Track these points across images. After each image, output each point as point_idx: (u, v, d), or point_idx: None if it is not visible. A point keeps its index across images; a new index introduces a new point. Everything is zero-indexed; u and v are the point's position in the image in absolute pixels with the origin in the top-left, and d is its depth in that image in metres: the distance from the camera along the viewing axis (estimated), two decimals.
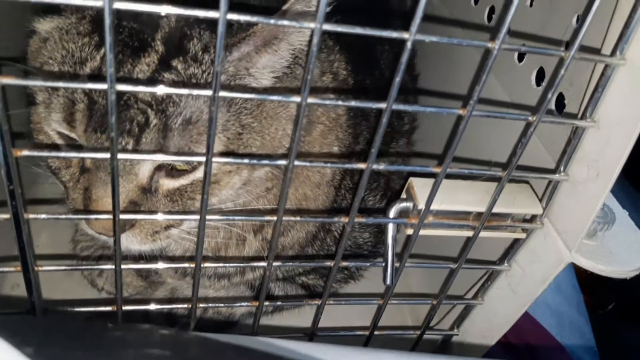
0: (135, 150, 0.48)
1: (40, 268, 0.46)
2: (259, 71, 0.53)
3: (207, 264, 0.53)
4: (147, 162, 0.50)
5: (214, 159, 0.41)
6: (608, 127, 0.47)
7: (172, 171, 0.52)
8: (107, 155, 0.39)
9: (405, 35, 0.37)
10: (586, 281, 0.93)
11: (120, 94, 0.46)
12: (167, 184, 0.52)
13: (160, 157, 0.46)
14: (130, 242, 0.54)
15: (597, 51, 0.47)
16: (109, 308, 0.51)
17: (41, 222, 0.79)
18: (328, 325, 0.61)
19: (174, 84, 0.48)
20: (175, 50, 0.49)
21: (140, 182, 0.51)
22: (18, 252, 0.44)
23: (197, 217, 0.45)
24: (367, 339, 0.63)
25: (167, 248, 0.65)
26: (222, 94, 0.38)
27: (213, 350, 0.41)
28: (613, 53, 0.44)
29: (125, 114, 0.47)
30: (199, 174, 0.53)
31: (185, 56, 0.49)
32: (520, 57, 0.63)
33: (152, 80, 0.48)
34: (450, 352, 0.71)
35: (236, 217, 0.53)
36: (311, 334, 0.60)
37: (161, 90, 0.39)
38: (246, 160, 0.44)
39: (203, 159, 0.41)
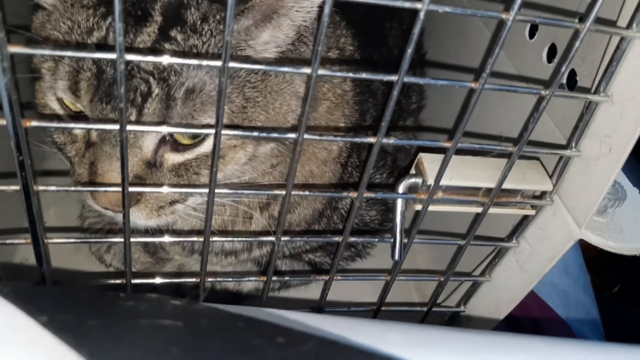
0: (138, 122, 0.48)
1: (50, 240, 0.47)
2: (262, 46, 0.52)
3: (215, 238, 0.53)
4: (151, 134, 0.50)
5: (223, 131, 0.41)
6: (622, 102, 0.46)
7: (176, 145, 0.52)
8: (116, 126, 0.39)
9: (417, 5, 0.37)
10: (593, 262, 0.93)
11: (125, 64, 0.46)
12: (172, 158, 0.52)
13: (168, 129, 0.46)
14: (136, 217, 0.54)
15: (612, 23, 0.46)
16: (118, 281, 0.52)
17: (49, 199, 0.79)
18: (335, 301, 0.62)
19: (174, 54, 0.47)
20: (173, 20, 0.48)
21: (145, 155, 0.51)
22: (28, 225, 0.44)
23: (205, 190, 0.45)
24: (374, 315, 0.64)
25: (173, 225, 0.65)
26: (232, 64, 0.37)
27: (224, 321, 0.41)
28: (629, 26, 0.43)
29: (129, 84, 0.47)
30: (204, 148, 0.52)
31: (184, 26, 0.48)
32: (532, 33, 0.62)
33: (153, 50, 0.47)
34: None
35: (244, 192, 0.52)
36: (318, 309, 0.61)
37: (169, 60, 0.39)
38: (255, 133, 0.43)
39: (212, 130, 0.40)
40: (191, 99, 0.48)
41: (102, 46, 0.48)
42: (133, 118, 0.48)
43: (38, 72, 0.52)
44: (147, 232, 0.58)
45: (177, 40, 0.48)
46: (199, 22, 0.49)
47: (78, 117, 0.51)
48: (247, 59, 0.51)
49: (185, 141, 0.52)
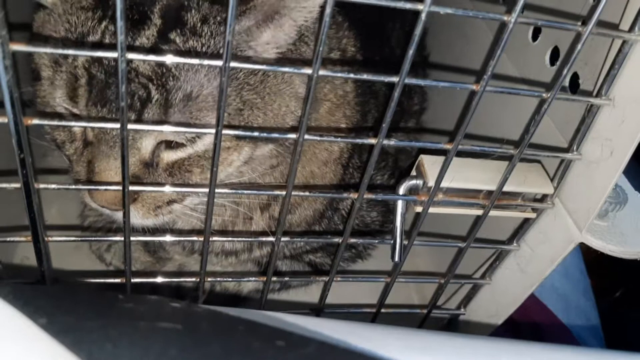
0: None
1: (50, 238, 0.47)
2: (262, 46, 0.51)
3: (215, 238, 0.53)
4: (150, 136, 0.50)
5: (224, 132, 0.41)
6: (624, 105, 0.46)
7: (171, 143, 0.52)
8: (117, 125, 0.39)
9: (419, 6, 0.37)
10: (594, 267, 0.92)
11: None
12: (167, 156, 0.52)
13: (167, 128, 0.45)
14: (133, 216, 0.53)
15: (615, 27, 0.46)
16: (117, 280, 0.52)
17: (50, 197, 0.79)
18: (335, 303, 0.62)
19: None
20: (173, 23, 0.48)
21: (143, 156, 0.51)
22: (28, 222, 0.44)
23: (205, 190, 0.45)
24: (374, 317, 0.64)
25: (174, 225, 0.65)
26: (234, 64, 0.37)
27: (224, 324, 0.41)
28: (631, 29, 0.43)
29: (127, 89, 0.46)
30: (196, 147, 0.52)
31: (183, 28, 0.48)
32: (535, 36, 0.62)
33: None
34: (456, 331, 0.71)
35: (244, 192, 0.52)
36: (318, 311, 0.61)
37: (170, 59, 0.39)
38: (256, 133, 0.43)
39: (212, 131, 0.40)
40: (188, 106, 0.48)
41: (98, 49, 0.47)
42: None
43: (39, 74, 0.52)
44: (146, 231, 0.57)
45: (176, 42, 0.47)
46: (199, 24, 0.48)
47: (79, 115, 0.52)
48: (248, 60, 0.51)
49: (181, 141, 0.52)
